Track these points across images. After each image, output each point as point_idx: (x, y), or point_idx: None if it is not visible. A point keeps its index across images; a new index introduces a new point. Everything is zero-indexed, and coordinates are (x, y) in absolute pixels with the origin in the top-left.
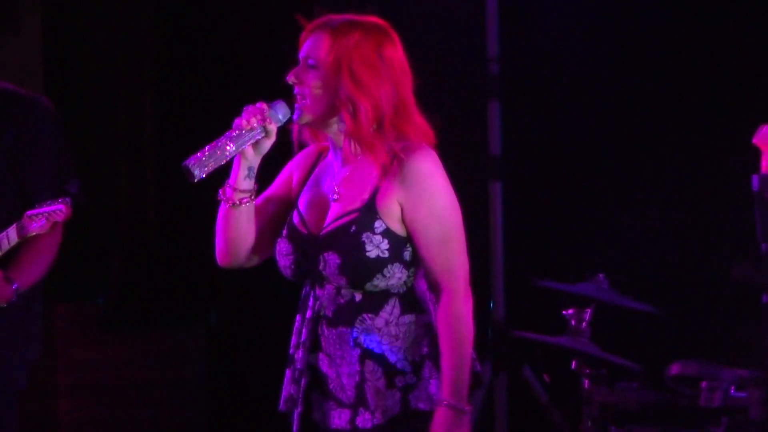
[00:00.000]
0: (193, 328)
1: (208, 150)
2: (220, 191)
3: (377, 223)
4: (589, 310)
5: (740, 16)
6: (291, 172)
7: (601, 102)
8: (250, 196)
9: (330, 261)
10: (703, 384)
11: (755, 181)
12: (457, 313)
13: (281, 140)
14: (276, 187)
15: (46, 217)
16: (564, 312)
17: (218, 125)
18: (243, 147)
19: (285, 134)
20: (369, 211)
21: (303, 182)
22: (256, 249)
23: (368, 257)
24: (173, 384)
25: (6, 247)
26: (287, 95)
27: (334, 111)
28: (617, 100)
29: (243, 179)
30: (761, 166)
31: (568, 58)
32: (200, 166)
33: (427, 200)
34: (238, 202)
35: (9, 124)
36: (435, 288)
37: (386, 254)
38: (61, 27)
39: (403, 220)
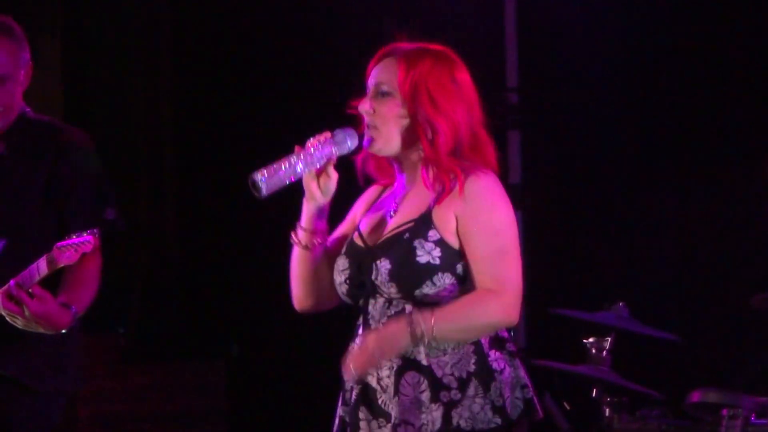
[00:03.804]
0: (214, 359)
1: (277, 166)
2: (292, 233)
3: (431, 232)
4: (609, 339)
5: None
6: (356, 209)
7: (620, 131)
8: (323, 238)
9: (382, 268)
10: (724, 411)
11: None
12: (486, 302)
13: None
14: (345, 226)
15: (75, 248)
16: (584, 340)
17: (239, 151)
18: (312, 168)
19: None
20: (424, 221)
21: (365, 211)
22: (331, 290)
23: (418, 262)
24: (194, 415)
25: (36, 278)
26: (310, 113)
27: (411, 137)
28: (636, 129)
29: (314, 220)
30: None
31: (586, 87)
32: (269, 179)
33: (484, 214)
34: (310, 244)
35: (47, 155)
36: None
37: (437, 261)
38: (79, 53)
39: (458, 233)
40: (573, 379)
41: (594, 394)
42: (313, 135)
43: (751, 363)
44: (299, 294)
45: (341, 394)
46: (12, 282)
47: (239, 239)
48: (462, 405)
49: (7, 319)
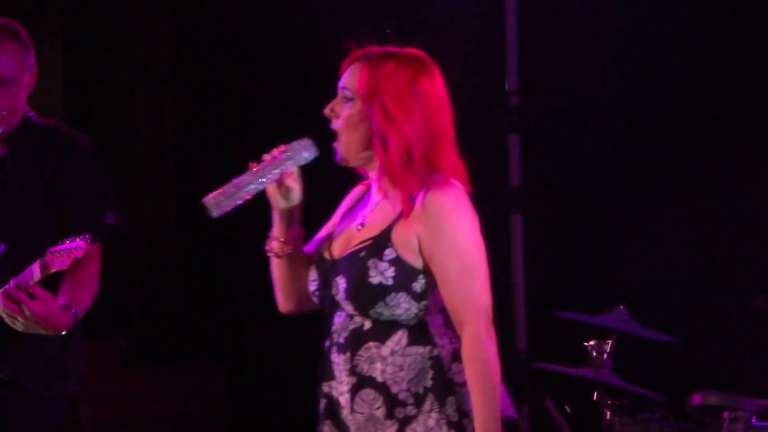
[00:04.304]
0: (215, 362)
1: (227, 187)
2: (266, 244)
3: (387, 251)
4: (610, 341)
5: None
6: (340, 211)
7: (621, 134)
8: (295, 244)
9: (340, 285)
10: (725, 414)
11: None
12: (481, 349)
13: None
14: (326, 229)
15: (67, 253)
16: (585, 343)
17: (241, 155)
18: (264, 184)
19: (341, 170)
20: (382, 239)
21: (345, 216)
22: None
23: (370, 282)
24: (196, 418)
25: (30, 282)
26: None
27: (367, 144)
28: (637, 132)
29: (284, 230)
30: None
31: (587, 90)
32: (219, 202)
33: (446, 235)
34: (283, 253)
35: (49, 158)
36: (457, 324)
37: (390, 282)
38: (80, 52)
39: (422, 254)
40: (574, 381)
41: (595, 397)
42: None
43: (752, 365)
44: (281, 298)
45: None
46: (12, 282)
47: (241, 242)
48: (417, 420)
49: (7, 321)
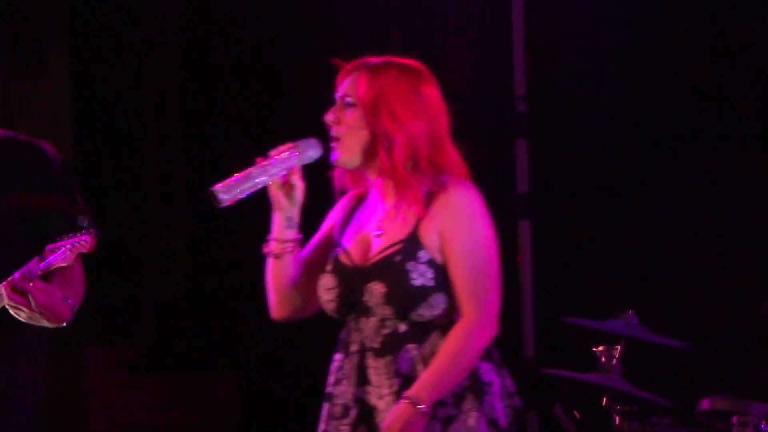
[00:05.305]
0: (224, 372)
1: (237, 177)
2: (264, 245)
3: (421, 253)
4: (619, 347)
5: None
6: (331, 220)
7: (628, 139)
8: (294, 246)
9: (375, 291)
10: (734, 419)
11: None
12: (463, 343)
13: (322, 188)
14: (320, 236)
15: (70, 248)
16: (594, 349)
17: (248, 161)
18: (273, 178)
19: (327, 182)
20: (413, 242)
21: (344, 224)
22: (307, 299)
23: (413, 285)
24: (205, 427)
25: (29, 278)
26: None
27: (371, 149)
28: (644, 137)
29: (284, 230)
30: None
31: (594, 96)
32: (227, 191)
33: (465, 230)
34: (281, 253)
35: (17, 168)
36: (460, 314)
37: (431, 283)
38: (88, 70)
39: (442, 250)
40: (583, 387)
41: (604, 403)
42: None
43: (760, 370)
44: (275, 303)
45: (328, 407)
46: (16, 274)
47: (249, 251)
48: (458, 420)
49: (11, 312)
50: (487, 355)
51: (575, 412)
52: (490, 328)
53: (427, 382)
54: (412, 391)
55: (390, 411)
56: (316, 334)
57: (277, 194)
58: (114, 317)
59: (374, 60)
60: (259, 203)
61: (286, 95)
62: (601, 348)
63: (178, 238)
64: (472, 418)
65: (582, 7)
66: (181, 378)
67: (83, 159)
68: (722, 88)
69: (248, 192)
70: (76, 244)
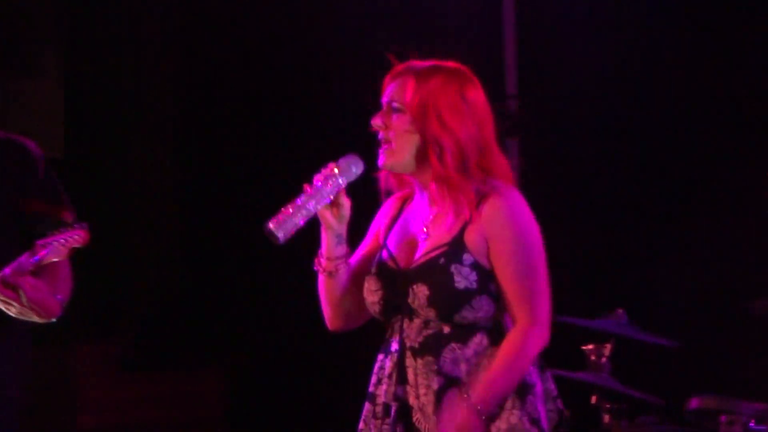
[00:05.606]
0: (211, 369)
1: (287, 210)
2: (315, 262)
3: (465, 256)
4: (608, 345)
5: None
6: (378, 224)
7: (618, 137)
8: (345, 262)
9: (419, 293)
10: (723, 418)
11: None
12: (521, 343)
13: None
14: (367, 243)
15: (63, 243)
16: (584, 347)
17: (239, 160)
18: (324, 202)
19: (372, 186)
20: (457, 245)
21: (390, 227)
22: (360, 306)
23: (457, 288)
24: (193, 424)
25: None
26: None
27: (420, 153)
28: (634, 135)
29: (334, 247)
30: None
31: (585, 94)
32: (282, 227)
33: (511, 235)
34: (334, 270)
35: (2, 166)
36: (513, 320)
37: (474, 285)
38: (81, 70)
39: (489, 255)
40: (572, 385)
41: (593, 401)
42: (318, 170)
43: (749, 369)
44: (330, 316)
45: (369, 407)
46: (7, 270)
47: (237, 249)
48: (501, 418)
49: (1, 306)
50: None
51: (564, 410)
52: (543, 333)
53: (485, 388)
54: (473, 397)
55: (448, 411)
56: (304, 334)
57: (326, 215)
58: (103, 315)
59: (420, 64)
60: (245, 203)
61: (282, 96)
62: (590, 346)
63: (167, 236)
64: (514, 416)
65: (573, 5)
66: (169, 375)
67: (75, 156)
68: (711, 85)
69: (302, 221)
70: (69, 239)
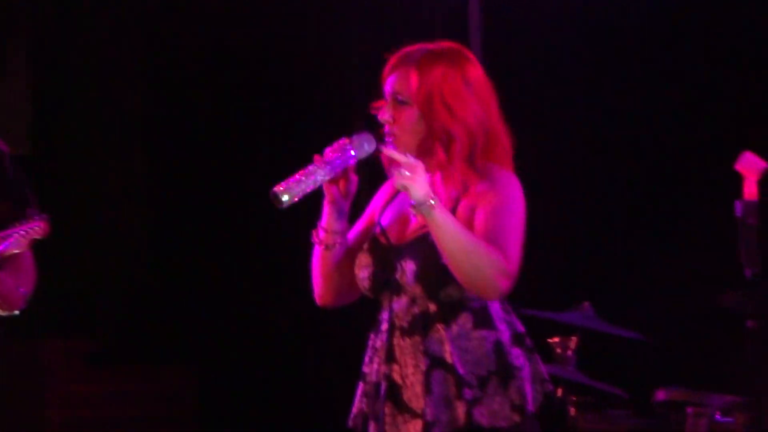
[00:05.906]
0: (185, 364)
1: (296, 177)
2: (313, 233)
3: None
4: (574, 338)
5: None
6: (375, 203)
7: (586, 131)
8: (343, 237)
9: (407, 269)
10: (689, 410)
11: (738, 207)
12: (497, 258)
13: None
14: (363, 221)
15: (24, 234)
16: (550, 340)
17: (211, 152)
18: (332, 175)
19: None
20: None
21: (385, 206)
22: (351, 283)
23: (443, 263)
24: (165, 420)
25: None
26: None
27: (427, 145)
28: (601, 129)
29: (334, 221)
30: (743, 192)
31: (552, 93)
32: (289, 192)
33: (496, 198)
34: (332, 244)
35: None
36: None
37: None
38: (48, 68)
39: (473, 216)
40: None
41: (559, 394)
42: (329, 143)
43: (716, 361)
44: (321, 290)
45: (362, 386)
46: None
47: (212, 244)
48: (482, 403)
49: None
50: (519, 341)
51: (555, 393)
52: (507, 274)
53: (452, 219)
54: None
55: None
56: (279, 329)
57: (332, 188)
58: (73, 309)
59: (417, 51)
60: (216, 197)
61: (253, 93)
62: (556, 339)
63: (137, 230)
64: (496, 403)
65: (539, 6)
66: (140, 370)
67: (43, 152)
68: (687, 81)
69: (309, 189)
70: (30, 231)
